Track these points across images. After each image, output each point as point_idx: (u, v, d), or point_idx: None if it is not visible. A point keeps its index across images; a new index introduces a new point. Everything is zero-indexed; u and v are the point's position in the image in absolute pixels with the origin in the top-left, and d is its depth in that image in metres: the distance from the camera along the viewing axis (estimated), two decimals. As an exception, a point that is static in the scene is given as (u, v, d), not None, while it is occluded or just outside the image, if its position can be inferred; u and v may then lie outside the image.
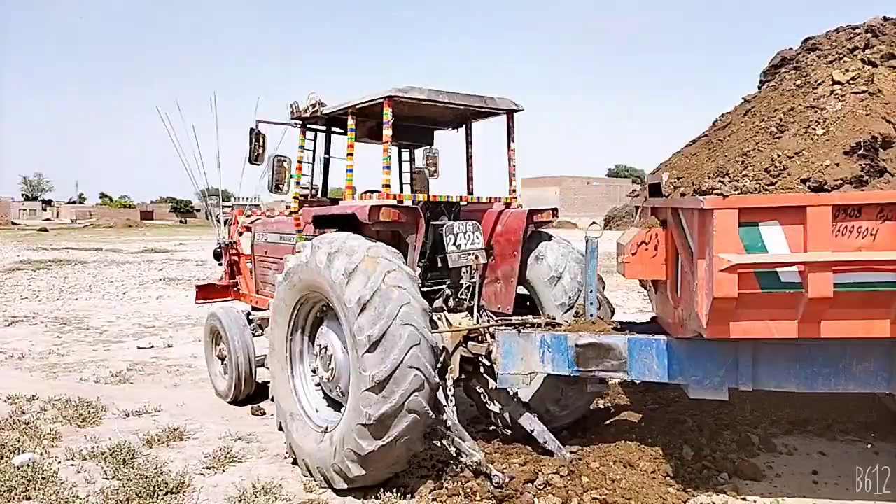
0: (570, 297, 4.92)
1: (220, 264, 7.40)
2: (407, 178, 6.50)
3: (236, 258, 7.27)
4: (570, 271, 4.99)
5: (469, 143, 5.64)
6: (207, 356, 6.66)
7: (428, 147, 6.49)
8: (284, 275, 4.65)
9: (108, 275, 18.67)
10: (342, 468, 4.01)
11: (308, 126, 5.77)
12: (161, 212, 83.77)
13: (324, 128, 6.02)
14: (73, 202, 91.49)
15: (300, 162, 5.70)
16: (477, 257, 4.86)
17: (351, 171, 4.99)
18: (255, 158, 5.72)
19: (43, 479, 4.35)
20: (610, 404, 5.68)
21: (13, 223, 61.96)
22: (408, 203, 4.64)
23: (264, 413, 5.95)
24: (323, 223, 4.91)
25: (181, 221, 79.95)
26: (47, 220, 72.37)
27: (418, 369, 3.87)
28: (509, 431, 5.05)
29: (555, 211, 5.18)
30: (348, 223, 4.65)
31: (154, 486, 4.19)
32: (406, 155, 6.45)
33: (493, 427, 5.08)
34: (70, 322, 10.83)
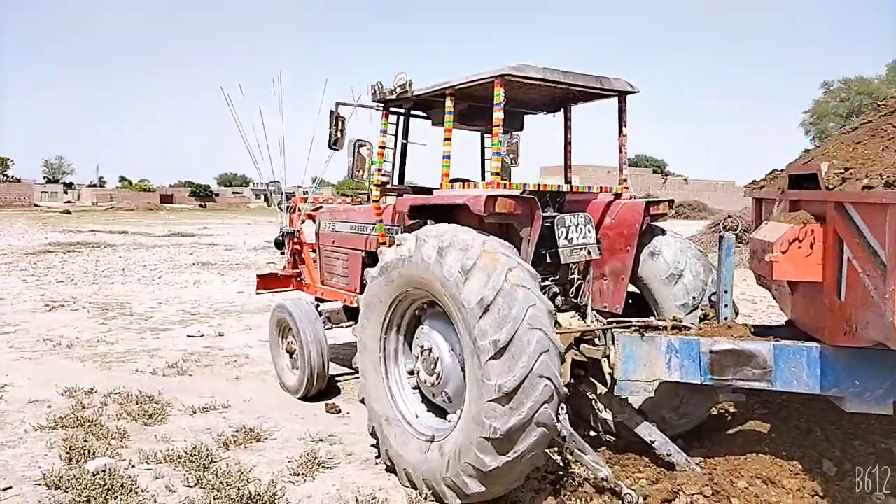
0: (693, 298, 4.50)
1: (283, 253, 7.04)
2: (488, 165, 6.09)
3: (299, 247, 6.91)
4: (691, 269, 4.57)
5: (568, 128, 5.22)
6: (273, 349, 6.32)
7: (509, 133, 6.08)
8: (380, 269, 4.27)
9: (140, 258, 18.47)
10: (457, 483, 3.64)
11: (391, 109, 5.37)
12: (180, 195, 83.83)
13: (403, 111, 5.63)
14: (94, 185, 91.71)
15: (382, 147, 5.30)
16: (590, 252, 4.45)
17: (448, 157, 4.59)
18: (334, 143, 5.33)
19: (122, 486, 4.02)
20: (714, 410, 5.27)
21: (35, 205, 62.22)
22: (520, 192, 4.23)
23: (340, 411, 5.60)
24: (420, 214, 4.52)
25: (200, 205, 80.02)
26: (69, 202, 72.74)
27: (548, 378, 3.48)
28: (612, 439, 4.68)
29: (670, 203, 4.75)
30: (449, 214, 4.27)
31: (245, 498, 3.85)
32: (487, 141, 6.03)
33: (593, 434, 4.70)
34: (112, 308, 10.55)
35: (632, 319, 4.19)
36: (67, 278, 14.07)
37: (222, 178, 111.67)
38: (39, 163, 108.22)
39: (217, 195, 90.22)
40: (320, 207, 6.87)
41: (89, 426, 5.05)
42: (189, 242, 24.49)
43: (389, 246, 5.29)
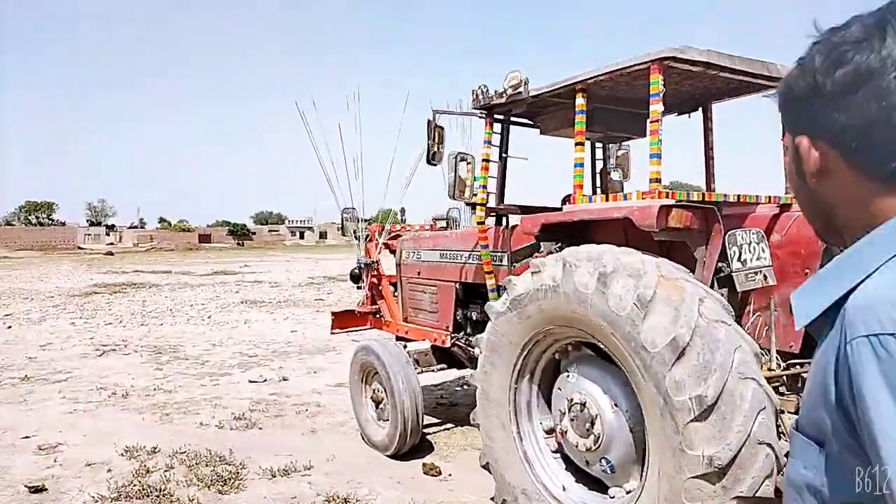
0: None
1: (360, 287, 6.31)
2: (597, 179, 5.31)
3: (377, 280, 6.18)
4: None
5: (709, 129, 4.43)
6: (355, 398, 5.54)
7: (618, 144, 5.31)
8: (510, 302, 3.49)
9: (186, 298, 18.00)
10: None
11: (496, 117, 4.66)
12: (218, 234, 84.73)
13: (502, 118, 4.90)
14: (135, 226, 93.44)
15: (486, 161, 4.56)
16: (766, 277, 3.61)
17: (581, 165, 3.83)
18: (432, 157, 4.61)
19: (205, 577, 3.25)
20: None
21: (79, 248, 63.26)
22: (697, 201, 3.41)
23: (440, 473, 4.77)
24: (550, 234, 3.76)
25: (238, 244, 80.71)
26: (111, 244, 73.85)
27: (769, 446, 2.64)
28: None
29: None
30: (584, 234, 3.50)
31: None
32: (599, 153, 5.26)
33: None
34: (165, 351, 9.94)
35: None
36: (116, 320, 13.58)
37: (258, 217, 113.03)
38: (82, 206, 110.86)
39: (254, 234, 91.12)
40: (398, 235, 6.16)
41: (157, 496, 4.32)
42: (233, 281, 24.08)
43: (493, 276, 4.55)
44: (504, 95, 4.29)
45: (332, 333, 6.38)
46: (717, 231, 3.25)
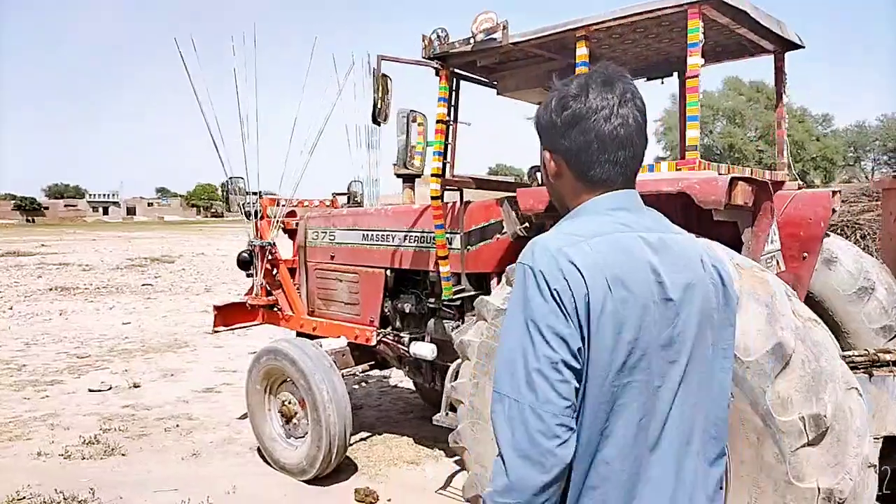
0: (893, 319, 3.45)
1: (250, 274, 5.19)
2: None
3: (272, 266, 5.12)
4: (881, 281, 3.52)
5: (685, 96, 4.04)
6: (256, 412, 4.51)
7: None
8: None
9: (-27, 284, 14.99)
10: None
11: (454, 70, 3.89)
12: (2, 210, 73.76)
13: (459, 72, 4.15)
14: None
15: (442, 123, 3.79)
16: (778, 263, 3.25)
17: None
18: (378, 114, 3.72)
19: None
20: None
21: None
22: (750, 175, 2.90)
23: (377, 500, 3.97)
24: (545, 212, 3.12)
25: (28, 220, 70.87)
26: None
27: (874, 467, 2.23)
28: None
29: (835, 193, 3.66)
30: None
31: None
32: None
33: None
34: (-40, 354, 7.91)
35: (853, 352, 3.03)
36: None
37: (52, 191, 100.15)
38: None
39: (46, 209, 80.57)
40: (313, 213, 5.17)
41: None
42: (32, 263, 20.63)
43: (447, 261, 3.83)
44: (471, 42, 3.54)
45: (215, 332, 5.23)
46: (768, 209, 2.79)
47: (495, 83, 4.22)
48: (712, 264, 1.29)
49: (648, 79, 4.20)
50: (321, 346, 4.49)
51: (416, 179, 4.95)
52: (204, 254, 24.37)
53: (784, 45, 3.53)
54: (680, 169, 2.83)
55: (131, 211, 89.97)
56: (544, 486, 1.09)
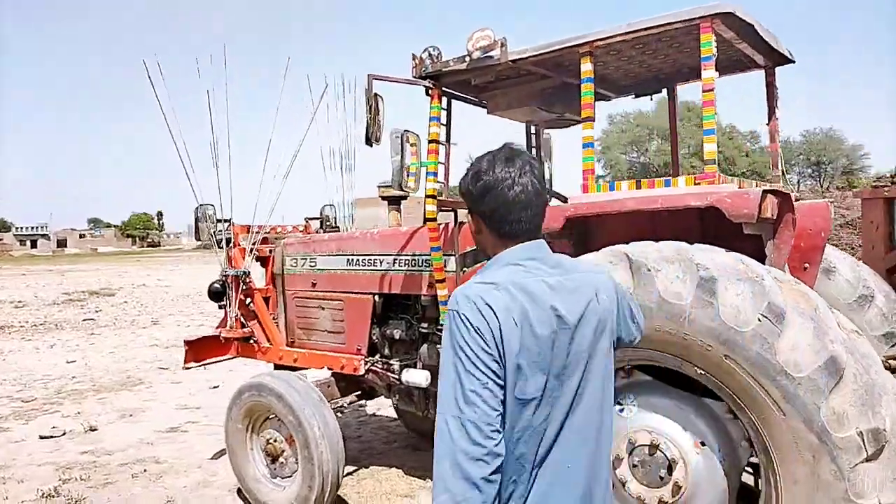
0: (894, 326, 3.47)
1: (222, 306, 4.90)
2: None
3: (246, 296, 4.84)
4: (879, 288, 3.55)
5: (675, 112, 4.05)
6: (237, 451, 4.21)
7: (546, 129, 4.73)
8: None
9: None
10: None
11: (449, 90, 3.79)
12: (-83, 244, 69.51)
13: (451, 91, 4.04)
14: None
15: (435, 142, 3.67)
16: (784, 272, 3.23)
17: (591, 146, 3.13)
18: (372, 135, 3.55)
19: None
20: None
21: None
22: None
23: (377, 540, 3.74)
24: (571, 229, 3.01)
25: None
26: None
27: None
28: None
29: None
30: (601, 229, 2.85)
31: None
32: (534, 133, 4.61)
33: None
34: None
35: None
36: None
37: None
38: None
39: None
40: (289, 238, 4.93)
41: None
42: (-43, 301, 19.34)
43: (445, 285, 3.69)
44: (466, 61, 3.44)
45: (185, 368, 4.90)
46: (790, 221, 2.76)
47: (484, 102, 4.13)
48: (605, 295, 1.60)
49: (636, 95, 4.19)
50: (306, 377, 4.25)
51: (402, 201, 4.83)
52: (145, 285, 23.46)
53: (775, 60, 3.56)
54: (699, 183, 2.78)
55: (62, 243, 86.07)
56: (488, 476, 1.38)
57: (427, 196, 3.61)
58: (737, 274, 2.31)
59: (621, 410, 2.66)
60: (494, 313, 1.42)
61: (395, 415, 5.79)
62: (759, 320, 2.19)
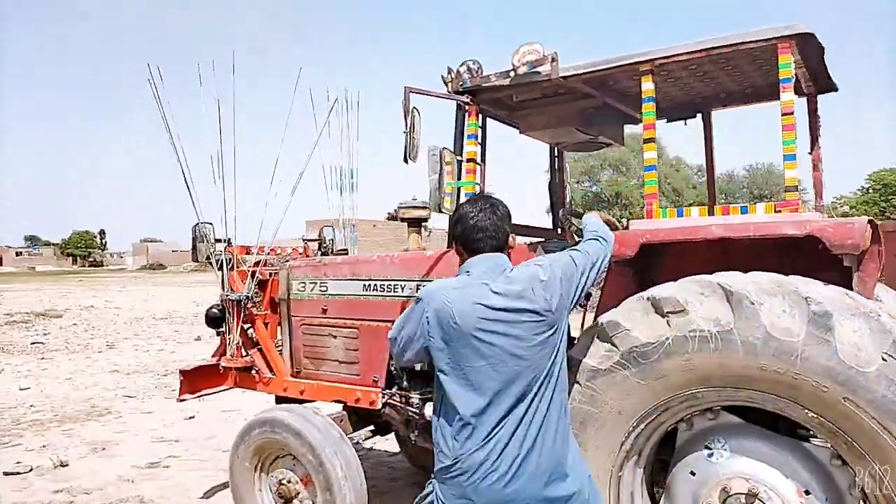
0: None
1: (220, 332, 4.53)
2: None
3: (248, 323, 4.50)
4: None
5: (710, 138, 3.95)
6: (245, 494, 3.85)
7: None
8: (621, 356, 2.46)
9: None
10: None
11: (483, 107, 3.59)
12: None
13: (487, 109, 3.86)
14: None
15: (472, 162, 3.47)
16: None
17: (653, 168, 2.98)
18: (409, 153, 3.31)
19: None
20: None
21: None
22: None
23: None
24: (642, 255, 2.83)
25: None
26: None
27: None
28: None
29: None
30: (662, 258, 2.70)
31: None
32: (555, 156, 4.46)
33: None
34: None
35: None
36: None
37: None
38: None
39: None
40: (298, 262, 4.61)
41: None
42: None
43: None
44: (511, 76, 3.27)
45: (180, 400, 4.50)
46: (876, 252, 2.63)
47: (516, 122, 3.96)
48: (531, 289, 2.17)
49: (668, 120, 4.08)
50: (320, 411, 3.93)
51: (424, 223, 4.59)
52: (94, 306, 22.34)
53: (820, 87, 3.49)
54: (780, 211, 2.64)
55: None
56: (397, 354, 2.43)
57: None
58: (849, 309, 2.17)
59: (710, 455, 2.47)
60: (433, 307, 2.21)
61: (393, 448, 5.48)
62: (885, 359, 2.04)
